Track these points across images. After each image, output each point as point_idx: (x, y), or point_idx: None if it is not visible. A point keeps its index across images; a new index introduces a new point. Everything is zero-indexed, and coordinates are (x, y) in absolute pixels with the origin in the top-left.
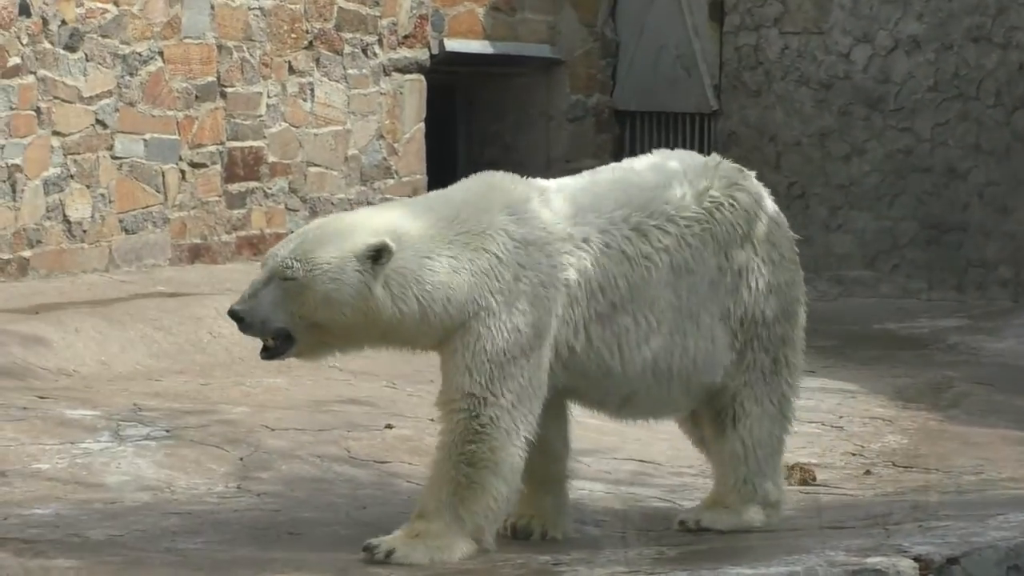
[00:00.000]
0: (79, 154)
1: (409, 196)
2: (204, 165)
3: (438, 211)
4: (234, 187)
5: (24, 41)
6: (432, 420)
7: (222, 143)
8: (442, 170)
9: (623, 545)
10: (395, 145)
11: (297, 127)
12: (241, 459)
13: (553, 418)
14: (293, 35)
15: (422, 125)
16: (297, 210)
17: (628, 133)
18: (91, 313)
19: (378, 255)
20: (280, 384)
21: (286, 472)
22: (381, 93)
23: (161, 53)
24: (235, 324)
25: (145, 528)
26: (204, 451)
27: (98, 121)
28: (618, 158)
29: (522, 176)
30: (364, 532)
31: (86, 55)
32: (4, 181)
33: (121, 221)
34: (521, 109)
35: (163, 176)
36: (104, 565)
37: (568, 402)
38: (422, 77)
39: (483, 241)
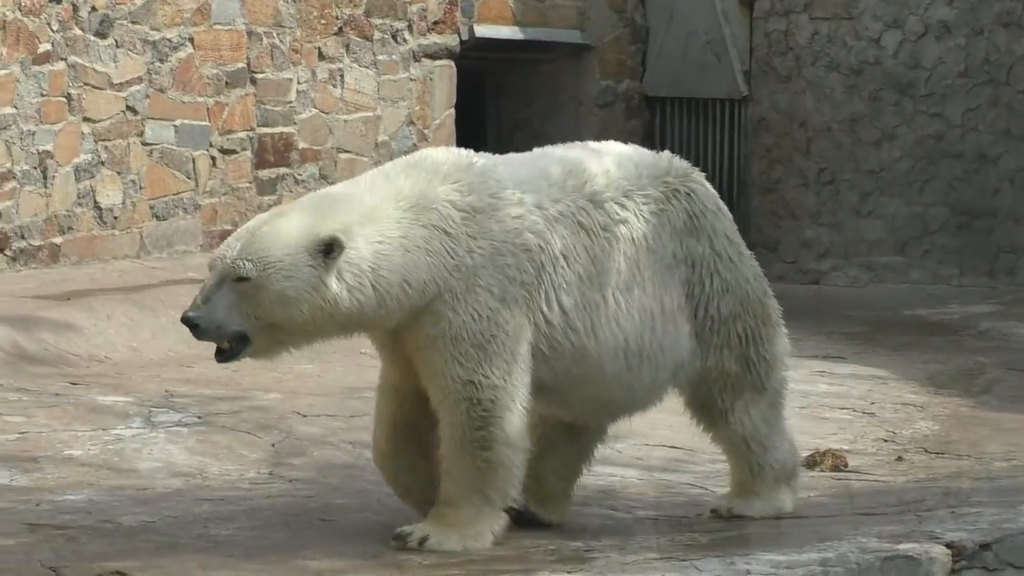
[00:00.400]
0: (110, 140)
1: None
2: (234, 151)
3: (380, 191)
4: (264, 173)
5: (55, 27)
6: None
7: (252, 129)
8: None
9: (655, 531)
10: (425, 131)
11: (327, 113)
12: (273, 445)
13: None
14: (323, 21)
15: (452, 111)
16: None
17: (658, 119)
18: (122, 299)
19: (329, 248)
20: (312, 370)
21: (318, 458)
22: (411, 79)
23: (191, 39)
24: (189, 331)
25: (177, 514)
26: (236, 437)
27: (128, 107)
28: (648, 144)
29: None
30: (396, 518)
31: (116, 41)
32: (35, 168)
33: (152, 207)
34: (551, 95)
35: (194, 162)
36: (136, 551)
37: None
38: (452, 63)
39: (429, 216)
